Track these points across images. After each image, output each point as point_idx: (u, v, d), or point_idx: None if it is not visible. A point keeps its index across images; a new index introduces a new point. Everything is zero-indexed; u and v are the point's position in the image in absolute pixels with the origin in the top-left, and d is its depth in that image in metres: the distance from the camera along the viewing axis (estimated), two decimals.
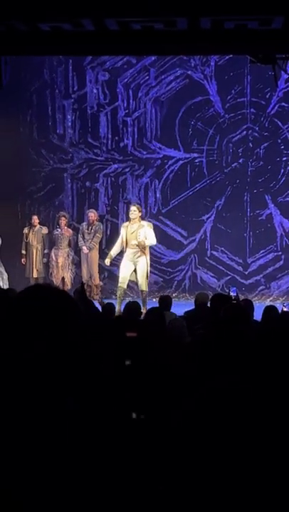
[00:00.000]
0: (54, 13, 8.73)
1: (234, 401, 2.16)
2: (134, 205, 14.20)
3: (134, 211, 13.88)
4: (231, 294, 10.27)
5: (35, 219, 16.17)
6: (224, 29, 8.84)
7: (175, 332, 6.71)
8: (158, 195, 17.25)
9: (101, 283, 16.42)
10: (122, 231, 14.02)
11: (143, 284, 13.81)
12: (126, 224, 14.13)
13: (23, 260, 16.15)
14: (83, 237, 15.78)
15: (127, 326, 6.24)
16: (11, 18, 8.85)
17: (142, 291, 13.94)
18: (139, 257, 13.80)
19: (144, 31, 9.10)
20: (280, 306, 10.20)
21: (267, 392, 3.00)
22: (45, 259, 16.12)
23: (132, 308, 8.79)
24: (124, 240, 13.84)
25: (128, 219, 14.16)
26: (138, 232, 13.70)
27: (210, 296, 9.60)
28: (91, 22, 9.01)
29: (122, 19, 8.88)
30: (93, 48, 10.92)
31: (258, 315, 8.92)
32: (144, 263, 13.80)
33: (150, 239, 13.79)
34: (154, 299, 14.81)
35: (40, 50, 11.10)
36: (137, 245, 13.68)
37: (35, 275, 16.01)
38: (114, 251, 14.21)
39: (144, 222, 14.08)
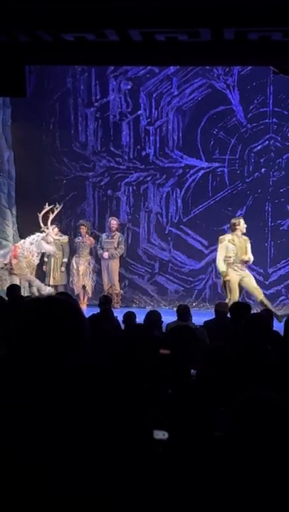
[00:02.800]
0: (78, 23, 8.79)
1: (271, 413, 2.19)
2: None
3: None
4: None
5: (54, 229, 16.30)
6: (248, 40, 8.86)
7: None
8: (179, 204, 17.26)
9: (121, 291, 16.47)
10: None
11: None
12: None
13: (44, 268, 16.25)
14: (101, 246, 15.93)
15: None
16: (37, 29, 8.92)
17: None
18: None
19: (167, 42, 9.14)
20: None
21: None
22: (63, 268, 16.19)
23: (153, 317, 8.81)
24: None
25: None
26: None
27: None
28: (114, 32, 9.05)
29: (146, 30, 8.92)
30: (116, 58, 10.96)
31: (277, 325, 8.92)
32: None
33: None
34: (174, 308, 14.80)
35: (64, 59, 11.17)
36: None
37: (51, 283, 16.08)
38: None
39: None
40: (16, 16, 8.57)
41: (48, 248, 15.37)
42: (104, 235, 16.24)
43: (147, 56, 10.11)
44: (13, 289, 11.25)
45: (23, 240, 15.66)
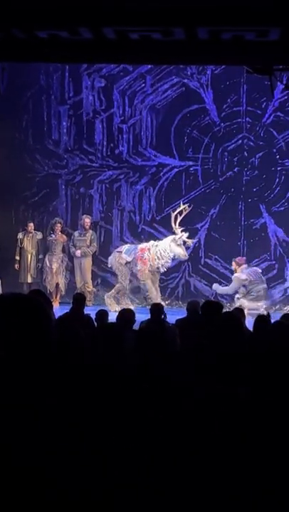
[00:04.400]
0: (51, 21, 8.76)
1: (227, 406, 2.20)
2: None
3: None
4: None
5: (30, 226, 16.24)
6: (221, 40, 8.87)
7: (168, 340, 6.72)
8: (152, 202, 17.27)
9: (94, 289, 16.47)
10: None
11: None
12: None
13: (16, 266, 16.18)
14: (74, 244, 15.93)
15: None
16: (10, 26, 8.87)
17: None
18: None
19: (141, 40, 9.12)
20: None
21: (260, 397, 3.04)
22: (39, 265, 16.17)
23: (126, 316, 8.79)
24: None
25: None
26: None
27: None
28: (88, 30, 9.02)
29: (120, 28, 8.90)
30: (90, 56, 10.92)
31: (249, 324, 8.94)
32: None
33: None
34: (147, 306, 14.81)
35: (37, 56, 11.10)
36: None
37: (29, 280, 16.06)
38: None
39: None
40: None
41: (178, 251, 15.31)
42: (76, 233, 16.24)
43: (121, 54, 10.09)
44: None
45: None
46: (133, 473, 2.16)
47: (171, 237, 15.37)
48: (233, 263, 15.34)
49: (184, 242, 15.30)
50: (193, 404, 2.30)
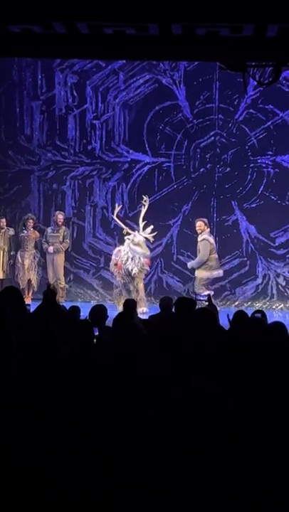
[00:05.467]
0: (24, 15, 8.70)
1: (202, 397, 2.21)
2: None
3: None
4: (201, 298, 10.34)
5: (2, 222, 16.15)
6: (195, 35, 8.87)
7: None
8: (125, 198, 17.26)
9: (67, 285, 16.44)
10: None
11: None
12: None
13: None
14: (46, 240, 15.88)
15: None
16: None
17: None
18: None
19: (115, 35, 9.09)
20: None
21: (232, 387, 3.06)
22: (11, 261, 16.11)
23: (98, 312, 8.79)
24: None
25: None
26: None
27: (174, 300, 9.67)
28: (62, 25, 8.97)
29: (94, 23, 8.86)
30: (63, 51, 10.88)
31: (222, 320, 8.96)
32: None
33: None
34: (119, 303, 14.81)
35: (9, 51, 11.02)
36: None
37: (1, 276, 15.98)
38: None
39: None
40: None
41: (138, 251, 15.11)
42: (49, 229, 16.20)
43: (95, 49, 10.05)
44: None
45: None
46: (133, 473, 2.16)
47: (128, 239, 15.22)
48: (202, 222, 15.19)
49: (146, 239, 15.20)
50: (172, 398, 2.30)
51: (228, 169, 16.97)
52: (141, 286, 15.37)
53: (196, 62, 16.32)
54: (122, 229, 15.38)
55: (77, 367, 4.60)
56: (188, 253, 16.85)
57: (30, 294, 15.94)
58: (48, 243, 15.96)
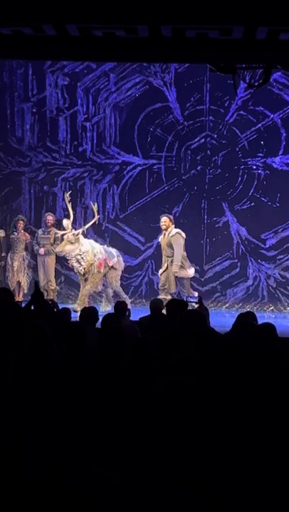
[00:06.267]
0: (15, 17, 8.71)
1: (181, 395, 2.23)
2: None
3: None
4: (192, 300, 10.32)
5: None
6: (185, 37, 8.89)
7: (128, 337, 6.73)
8: (116, 200, 17.28)
9: (57, 287, 16.44)
10: None
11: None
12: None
13: None
14: (37, 242, 15.87)
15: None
16: None
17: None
18: None
19: (105, 37, 9.11)
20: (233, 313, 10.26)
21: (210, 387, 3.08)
22: (2, 263, 16.09)
23: (89, 314, 8.80)
24: None
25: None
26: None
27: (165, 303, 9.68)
28: (52, 27, 8.99)
29: (83, 25, 8.88)
30: (54, 53, 10.88)
31: (213, 322, 8.99)
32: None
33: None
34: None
35: (0, 53, 11.04)
36: None
37: None
38: None
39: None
40: None
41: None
42: (40, 231, 16.18)
43: (85, 51, 10.07)
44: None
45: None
46: (132, 471, 2.17)
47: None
48: (167, 218, 14.84)
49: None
50: (157, 396, 2.32)
51: (218, 171, 17.01)
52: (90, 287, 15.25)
53: (187, 64, 16.36)
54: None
55: (69, 368, 4.62)
56: None
57: (20, 295, 15.93)
58: (39, 245, 15.95)
